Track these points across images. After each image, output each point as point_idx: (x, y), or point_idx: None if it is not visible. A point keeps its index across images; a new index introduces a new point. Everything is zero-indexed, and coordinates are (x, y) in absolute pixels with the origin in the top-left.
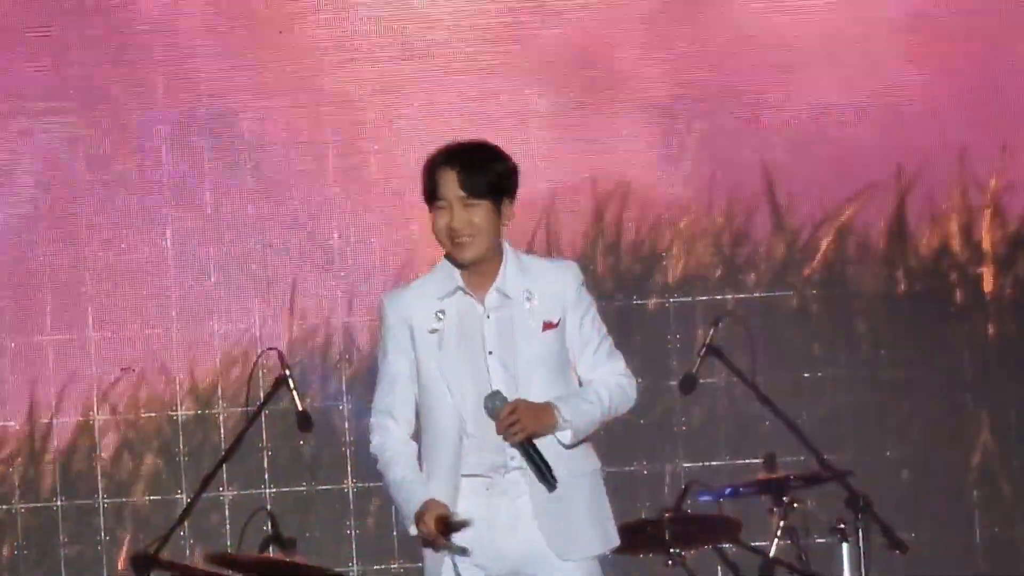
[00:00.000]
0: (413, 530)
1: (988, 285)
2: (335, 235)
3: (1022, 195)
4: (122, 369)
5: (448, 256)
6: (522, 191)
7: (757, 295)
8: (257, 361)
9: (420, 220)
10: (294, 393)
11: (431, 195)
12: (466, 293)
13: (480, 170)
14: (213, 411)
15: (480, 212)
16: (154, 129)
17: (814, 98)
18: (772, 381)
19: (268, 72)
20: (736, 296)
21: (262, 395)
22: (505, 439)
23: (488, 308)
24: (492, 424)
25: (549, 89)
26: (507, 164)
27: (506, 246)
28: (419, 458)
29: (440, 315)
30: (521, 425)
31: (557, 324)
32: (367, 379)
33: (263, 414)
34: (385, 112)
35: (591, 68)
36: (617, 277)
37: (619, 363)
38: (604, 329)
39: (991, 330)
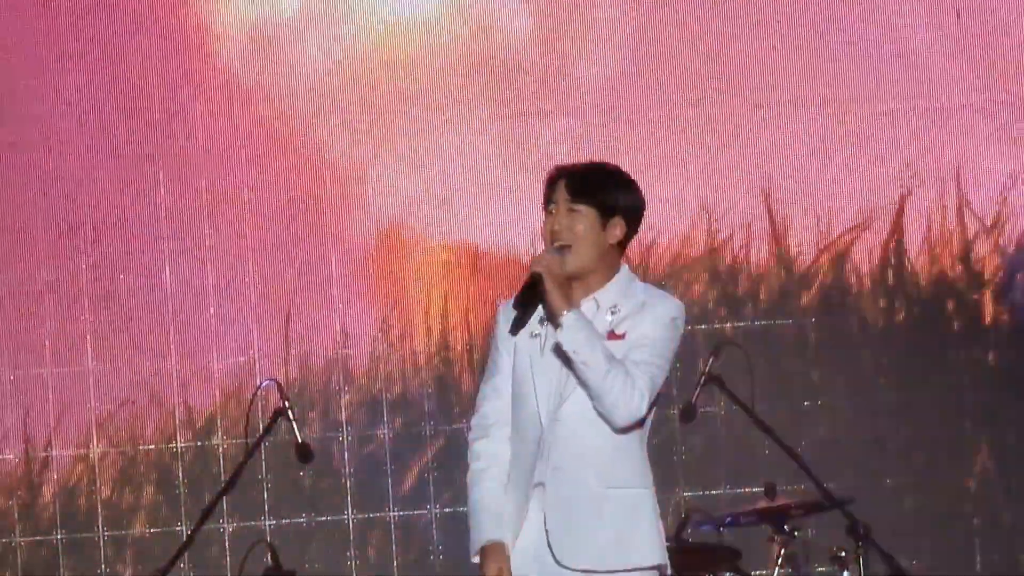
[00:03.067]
0: (475, 559)
1: (986, 311)
2: (333, 266)
3: (1019, 220)
4: (127, 402)
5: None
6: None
7: (757, 323)
8: (256, 393)
9: (416, 249)
10: (293, 424)
11: (546, 201)
12: None
13: (587, 179)
14: (213, 443)
15: (583, 220)
16: (151, 161)
17: (813, 122)
18: (772, 409)
19: (260, 104)
20: (735, 324)
21: (261, 427)
22: (534, 265)
23: None
24: (557, 434)
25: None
26: (620, 181)
27: (624, 269)
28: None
29: (542, 321)
30: (548, 262)
31: (623, 336)
32: (366, 410)
33: (263, 446)
34: (376, 142)
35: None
36: None
37: (643, 374)
38: (660, 359)
39: (990, 356)
